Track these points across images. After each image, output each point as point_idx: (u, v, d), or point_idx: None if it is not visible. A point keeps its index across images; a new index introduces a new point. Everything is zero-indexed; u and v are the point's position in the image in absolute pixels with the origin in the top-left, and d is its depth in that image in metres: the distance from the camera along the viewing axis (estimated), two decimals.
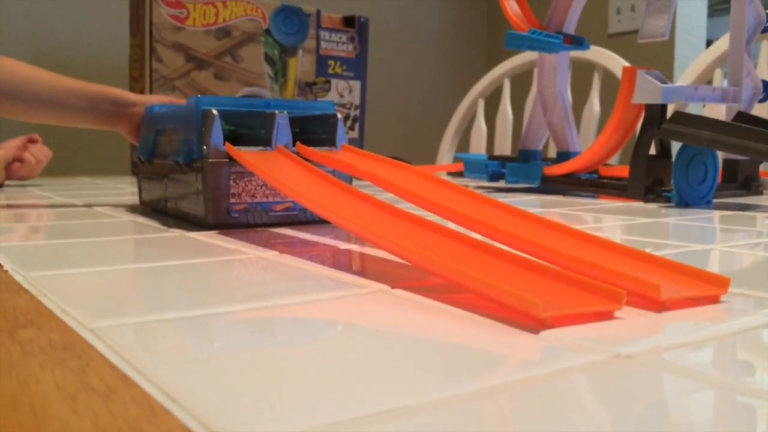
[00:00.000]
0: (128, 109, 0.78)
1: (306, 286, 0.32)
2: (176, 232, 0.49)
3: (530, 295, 0.24)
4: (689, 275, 0.30)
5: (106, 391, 0.18)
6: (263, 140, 0.53)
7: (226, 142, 0.50)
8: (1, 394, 0.18)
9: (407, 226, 0.36)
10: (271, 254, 0.40)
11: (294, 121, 0.55)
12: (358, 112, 1.42)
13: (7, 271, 0.35)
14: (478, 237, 0.34)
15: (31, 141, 1.09)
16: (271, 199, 0.52)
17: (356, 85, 1.41)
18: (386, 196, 0.46)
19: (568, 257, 0.31)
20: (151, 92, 1.21)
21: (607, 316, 0.26)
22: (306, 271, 0.35)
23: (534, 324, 0.24)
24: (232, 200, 0.51)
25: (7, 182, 1.05)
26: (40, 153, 1.08)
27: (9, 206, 0.70)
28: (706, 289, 0.29)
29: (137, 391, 0.18)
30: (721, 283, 0.29)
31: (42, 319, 0.26)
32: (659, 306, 0.27)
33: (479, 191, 0.47)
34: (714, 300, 0.29)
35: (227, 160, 0.50)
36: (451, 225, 0.38)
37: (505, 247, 0.33)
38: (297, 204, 0.52)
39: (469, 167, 1.02)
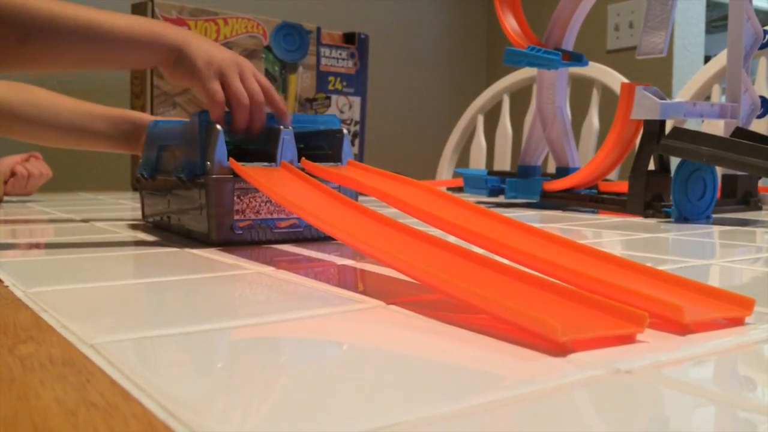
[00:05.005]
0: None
1: (308, 302, 0.32)
2: (177, 248, 0.49)
3: (549, 318, 0.23)
4: (712, 296, 0.29)
5: (106, 406, 0.18)
6: (268, 156, 0.53)
7: (231, 158, 0.50)
8: (2, 410, 0.18)
9: (416, 243, 0.35)
10: (270, 270, 0.40)
11: (299, 137, 0.54)
12: (358, 127, 1.43)
13: (7, 286, 0.35)
14: (490, 255, 0.33)
15: (33, 158, 1.10)
16: (275, 216, 0.51)
17: (356, 101, 1.42)
18: (391, 211, 0.45)
19: (585, 277, 0.30)
20: (152, 108, 1.22)
21: (628, 339, 0.25)
22: (310, 288, 0.35)
23: (553, 348, 0.23)
24: (236, 217, 0.50)
25: (6, 198, 1.05)
26: (34, 168, 1.08)
27: (9, 222, 0.70)
28: (731, 310, 0.28)
29: (137, 406, 0.18)
30: (745, 304, 0.28)
31: (42, 334, 0.26)
32: (683, 328, 0.26)
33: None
34: (738, 322, 0.27)
35: (231, 176, 0.50)
36: (463, 243, 0.37)
37: (519, 266, 0.31)
38: (302, 221, 0.52)
39: (469, 182, 1.02)
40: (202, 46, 0.57)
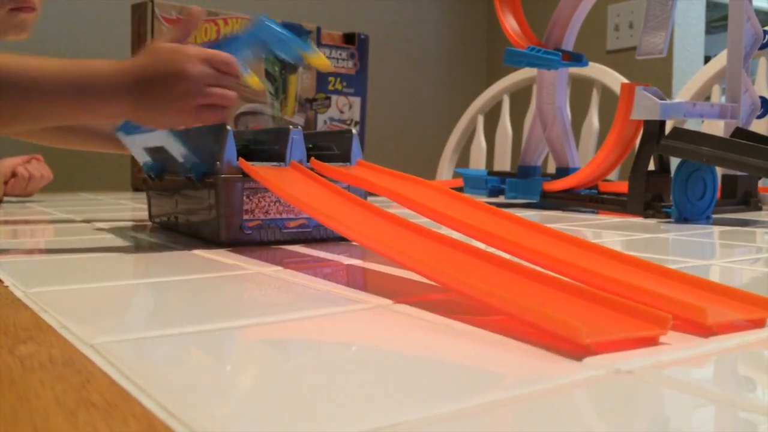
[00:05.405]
0: None
1: (312, 303, 0.32)
2: (181, 248, 0.49)
3: (571, 320, 0.23)
4: (732, 297, 0.28)
5: (106, 406, 0.18)
6: (277, 156, 0.53)
7: (240, 158, 0.50)
8: (2, 410, 0.18)
9: (430, 243, 0.35)
10: (277, 270, 0.40)
11: (308, 137, 0.54)
12: (358, 128, 1.43)
13: (7, 286, 0.35)
14: (506, 255, 0.33)
15: (34, 160, 1.10)
16: (284, 216, 0.51)
17: (356, 101, 1.42)
18: (401, 212, 0.45)
19: (604, 278, 0.30)
20: None
21: (651, 341, 0.24)
22: (315, 288, 0.35)
23: (576, 350, 0.23)
24: (246, 217, 0.50)
25: (6, 199, 1.05)
26: (35, 169, 1.08)
27: (9, 222, 0.70)
28: (752, 311, 0.27)
29: (137, 407, 0.18)
30: (766, 304, 0.27)
31: (42, 334, 0.26)
32: (705, 330, 0.26)
33: None
34: (760, 323, 0.27)
35: (241, 175, 0.50)
36: (477, 243, 0.36)
37: (536, 267, 0.31)
38: (311, 221, 0.52)
39: (469, 182, 1.02)
40: (160, 100, 0.51)
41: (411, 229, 0.37)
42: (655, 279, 0.31)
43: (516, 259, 0.33)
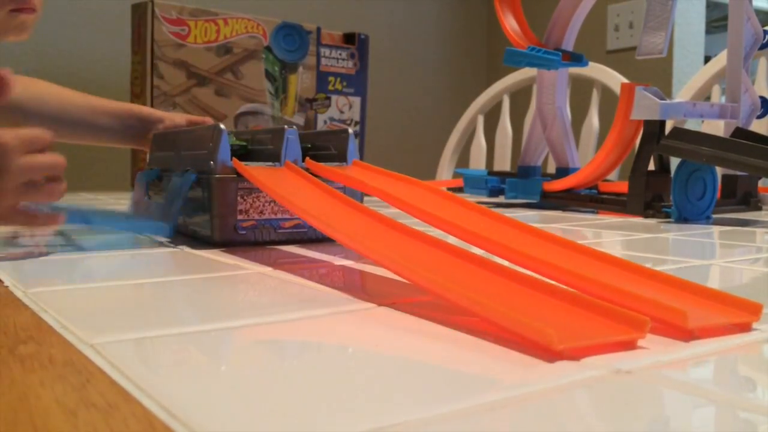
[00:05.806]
0: (154, 125, 0.80)
1: (307, 303, 0.32)
2: (179, 249, 0.49)
3: (545, 325, 0.22)
4: (718, 300, 0.28)
5: (106, 407, 0.18)
6: (272, 156, 0.53)
7: (234, 158, 0.50)
8: (2, 410, 0.18)
9: (416, 244, 0.35)
10: (269, 271, 0.40)
11: (304, 137, 0.54)
12: (358, 128, 1.43)
13: (7, 287, 0.35)
14: (493, 257, 0.33)
15: None
16: (279, 216, 0.51)
17: (356, 101, 1.42)
18: (396, 212, 0.45)
19: (588, 280, 0.29)
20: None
21: (629, 345, 0.24)
22: (308, 288, 0.35)
23: (549, 356, 0.23)
24: (240, 217, 0.50)
25: None
26: None
27: None
28: (737, 315, 0.27)
29: (137, 407, 0.18)
30: (752, 309, 0.27)
31: (42, 334, 0.26)
32: (686, 334, 0.25)
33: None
34: (745, 328, 0.27)
35: (235, 175, 0.49)
36: (466, 244, 0.36)
37: (522, 269, 0.31)
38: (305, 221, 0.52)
39: (469, 183, 1.02)
40: None
41: (398, 230, 0.37)
42: (639, 281, 0.31)
43: (499, 260, 0.33)
